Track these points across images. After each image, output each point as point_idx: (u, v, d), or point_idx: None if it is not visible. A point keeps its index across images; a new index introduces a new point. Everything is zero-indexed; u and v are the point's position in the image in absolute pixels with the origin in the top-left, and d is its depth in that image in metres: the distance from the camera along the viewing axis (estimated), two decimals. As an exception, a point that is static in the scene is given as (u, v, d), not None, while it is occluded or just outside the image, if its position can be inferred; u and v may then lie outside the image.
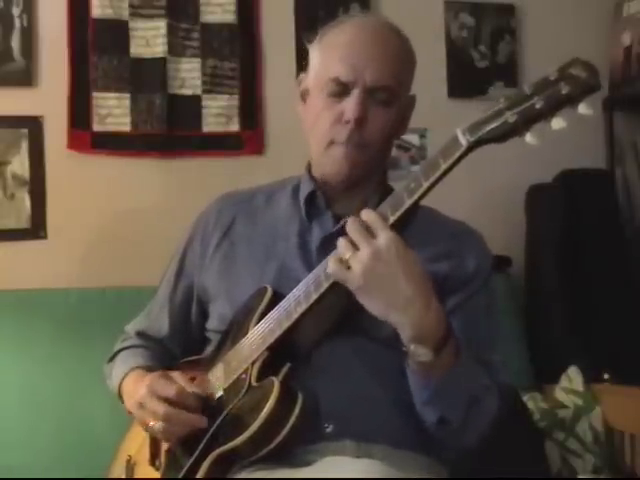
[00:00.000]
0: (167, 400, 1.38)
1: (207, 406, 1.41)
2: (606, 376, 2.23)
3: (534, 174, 2.57)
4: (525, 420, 2.05)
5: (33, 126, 2.33)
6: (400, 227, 1.27)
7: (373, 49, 1.46)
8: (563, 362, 2.28)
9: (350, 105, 1.44)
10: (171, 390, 1.38)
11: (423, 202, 1.50)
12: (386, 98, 1.46)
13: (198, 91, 2.45)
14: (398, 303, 1.25)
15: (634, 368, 2.24)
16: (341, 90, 1.46)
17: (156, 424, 1.39)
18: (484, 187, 2.60)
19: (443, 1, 2.64)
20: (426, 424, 1.38)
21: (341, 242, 1.26)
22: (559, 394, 2.22)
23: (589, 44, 2.65)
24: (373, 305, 1.26)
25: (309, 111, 1.53)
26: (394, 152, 2.53)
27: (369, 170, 1.50)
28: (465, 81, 2.64)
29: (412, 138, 2.56)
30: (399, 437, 1.37)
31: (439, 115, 2.45)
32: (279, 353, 1.37)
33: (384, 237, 1.23)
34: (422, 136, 2.56)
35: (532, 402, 2.16)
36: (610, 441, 2.15)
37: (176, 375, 1.44)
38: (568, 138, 2.58)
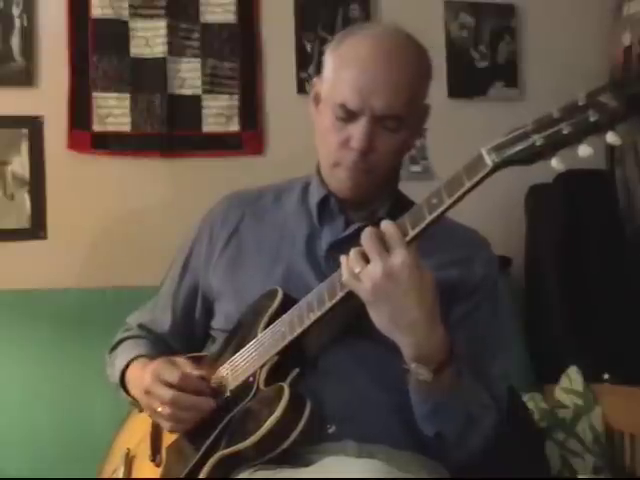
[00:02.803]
0: (172, 385, 1.38)
1: (214, 399, 1.40)
2: (606, 376, 2.23)
3: (534, 174, 2.56)
4: (525, 420, 2.05)
5: (33, 126, 2.32)
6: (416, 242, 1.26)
7: (385, 74, 1.42)
8: (563, 362, 2.28)
9: (356, 134, 1.41)
10: (176, 375, 1.38)
11: (419, 197, 1.50)
12: (395, 126, 1.43)
13: (198, 91, 2.44)
14: (403, 323, 1.25)
15: (634, 368, 2.23)
16: (348, 116, 1.42)
17: (164, 410, 1.38)
18: (484, 187, 2.59)
19: (443, 1, 2.64)
20: (424, 436, 1.38)
21: (352, 254, 1.25)
22: (559, 394, 2.22)
23: (589, 44, 2.65)
24: (379, 320, 1.26)
25: (319, 119, 1.50)
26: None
27: (376, 189, 1.49)
28: (465, 81, 2.64)
29: (412, 138, 2.56)
30: (400, 439, 1.38)
31: (439, 115, 2.43)
32: (287, 357, 1.36)
33: (399, 257, 1.21)
34: (422, 136, 2.56)
35: (532, 402, 2.16)
36: (610, 441, 2.15)
37: (180, 360, 1.44)
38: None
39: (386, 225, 1.24)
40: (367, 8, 2.56)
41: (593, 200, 2.55)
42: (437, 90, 2.62)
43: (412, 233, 1.24)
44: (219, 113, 2.46)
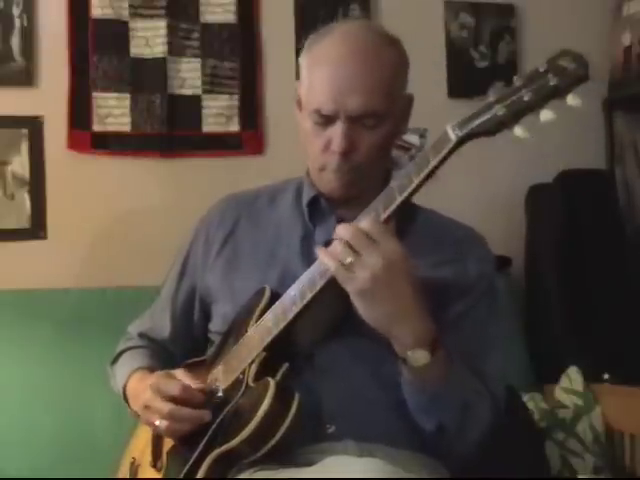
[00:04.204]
0: (171, 399, 1.38)
1: (208, 405, 1.41)
2: (606, 376, 2.22)
3: (534, 174, 2.57)
4: (525, 420, 2.05)
5: (33, 126, 2.32)
6: (394, 224, 1.27)
7: (356, 73, 1.40)
8: (563, 362, 2.28)
9: (335, 138, 1.42)
10: (175, 388, 1.39)
11: (426, 204, 1.50)
12: (374, 123, 1.42)
13: (198, 91, 2.44)
14: (398, 315, 1.26)
15: (634, 368, 2.23)
16: (325, 120, 1.43)
17: (161, 423, 1.39)
18: (484, 187, 2.61)
19: (443, 1, 2.64)
20: (424, 433, 1.38)
21: (339, 246, 1.25)
22: (559, 394, 2.22)
23: (589, 44, 2.63)
24: (372, 314, 1.27)
25: (303, 124, 1.50)
26: (394, 152, 2.53)
27: (367, 184, 1.49)
28: (465, 81, 2.64)
29: (412, 138, 2.55)
30: (400, 438, 1.38)
31: (439, 115, 2.43)
32: (277, 353, 1.37)
33: (395, 246, 1.23)
34: (422, 136, 2.56)
35: (532, 402, 2.16)
36: (610, 441, 2.15)
37: (179, 373, 1.45)
38: (568, 138, 2.61)
39: (365, 222, 1.25)
40: (367, 8, 2.56)
41: (593, 200, 2.55)
42: (437, 90, 2.64)
43: (383, 215, 1.25)
44: (219, 113, 2.46)
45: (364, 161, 1.44)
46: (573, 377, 2.23)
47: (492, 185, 2.62)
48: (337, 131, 1.41)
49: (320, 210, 1.53)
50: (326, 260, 1.26)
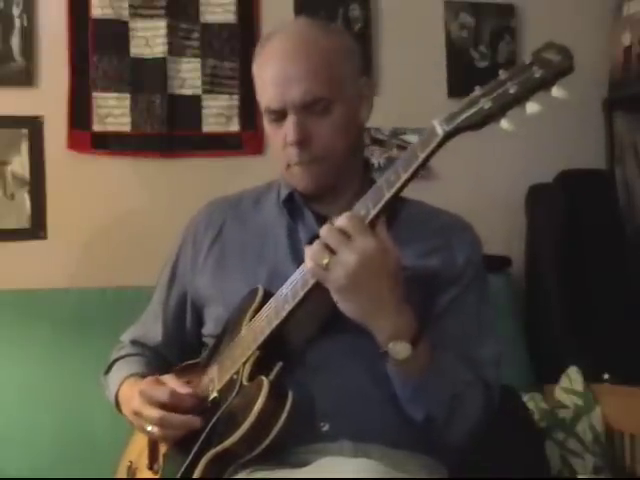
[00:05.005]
0: (161, 405, 1.38)
1: (202, 408, 1.41)
2: (606, 376, 2.23)
3: (534, 174, 2.57)
4: (525, 420, 2.05)
5: (33, 126, 2.32)
6: (383, 220, 1.27)
7: (293, 65, 1.44)
8: (563, 362, 2.28)
9: (287, 130, 1.45)
10: (163, 394, 1.39)
11: (419, 197, 1.50)
12: (324, 107, 1.45)
13: (198, 91, 2.45)
14: (378, 307, 1.27)
15: (634, 368, 2.23)
16: (278, 116, 1.46)
17: (153, 429, 1.39)
18: (484, 187, 2.61)
19: (443, 1, 2.64)
20: (415, 423, 1.38)
21: (315, 246, 1.26)
22: (559, 394, 2.22)
23: (589, 44, 2.65)
24: (351, 307, 1.28)
25: (265, 129, 1.54)
26: (394, 152, 2.53)
27: (339, 177, 1.50)
28: (465, 81, 2.63)
29: (412, 138, 2.55)
30: (396, 436, 1.38)
31: (439, 115, 2.45)
32: (271, 352, 1.37)
33: (371, 242, 1.23)
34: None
35: (532, 402, 2.16)
36: (610, 441, 2.15)
37: (168, 378, 1.45)
38: (568, 138, 2.60)
39: (342, 219, 1.25)
40: (367, 8, 2.56)
41: (593, 200, 2.55)
42: (437, 90, 2.64)
43: (373, 212, 1.25)
44: (219, 113, 2.46)
45: (325, 150, 1.46)
46: (573, 377, 2.23)
47: (492, 185, 2.62)
48: (288, 124, 1.45)
49: (298, 207, 1.54)
50: (306, 261, 1.28)
